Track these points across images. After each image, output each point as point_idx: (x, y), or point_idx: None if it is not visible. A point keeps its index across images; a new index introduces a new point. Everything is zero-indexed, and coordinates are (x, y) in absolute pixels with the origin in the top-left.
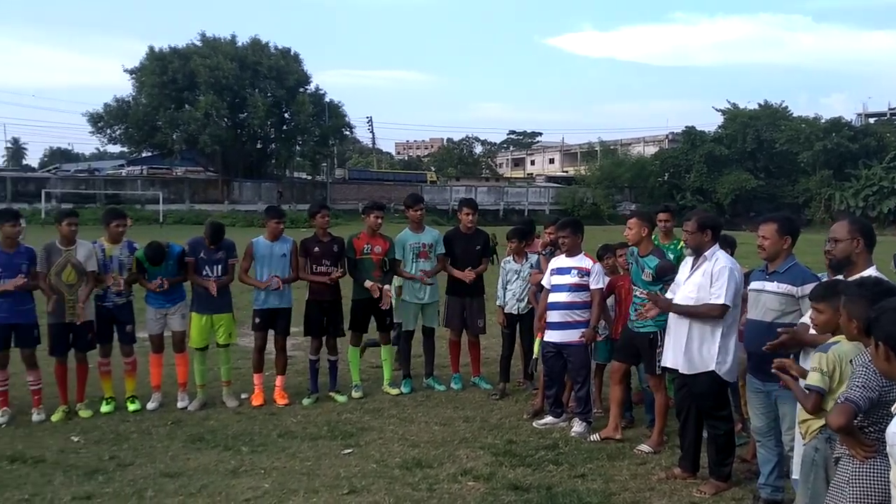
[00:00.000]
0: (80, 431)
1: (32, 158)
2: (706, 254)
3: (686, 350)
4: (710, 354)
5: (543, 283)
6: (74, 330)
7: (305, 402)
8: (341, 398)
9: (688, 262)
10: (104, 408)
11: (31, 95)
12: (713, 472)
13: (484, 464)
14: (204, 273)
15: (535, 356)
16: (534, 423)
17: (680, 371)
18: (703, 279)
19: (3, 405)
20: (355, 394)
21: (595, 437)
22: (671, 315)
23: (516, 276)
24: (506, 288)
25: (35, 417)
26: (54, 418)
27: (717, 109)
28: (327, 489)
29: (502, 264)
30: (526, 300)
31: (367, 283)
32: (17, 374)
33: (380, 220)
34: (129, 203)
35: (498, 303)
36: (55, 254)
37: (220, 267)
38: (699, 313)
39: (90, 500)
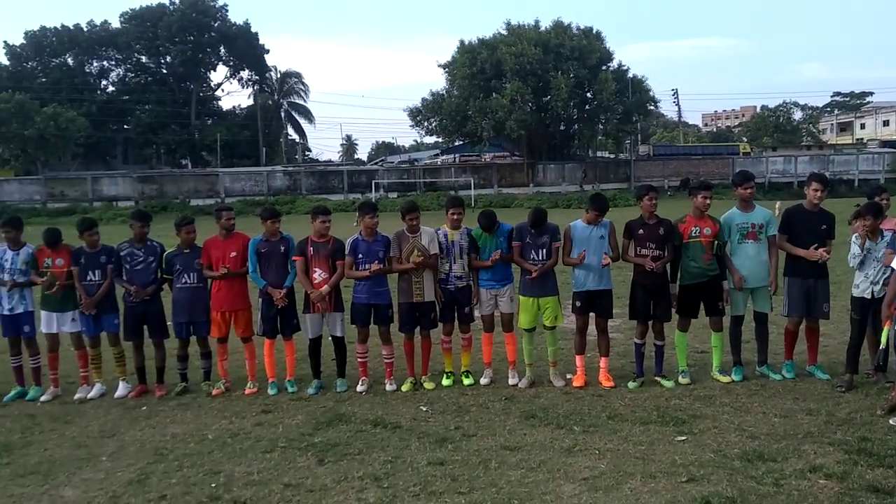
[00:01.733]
0: (427, 402)
1: (362, 152)
2: None
3: None
4: None
5: (894, 265)
6: (420, 309)
7: (631, 385)
8: (668, 383)
9: None
10: (445, 381)
11: (361, 96)
12: None
13: (835, 461)
14: (531, 257)
15: (881, 346)
16: (891, 421)
17: None
18: None
19: (364, 375)
20: (682, 379)
21: None
22: None
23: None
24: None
25: (388, 387)
26: (404, 388)
27: None
28: (664, 475)
29: (853, 242)
30: (881, 283)
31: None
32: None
33: (708, 201)
34: (443, 189)
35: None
36: (404, 240)
37: (543, 251)
38: None
39: (443, 466)
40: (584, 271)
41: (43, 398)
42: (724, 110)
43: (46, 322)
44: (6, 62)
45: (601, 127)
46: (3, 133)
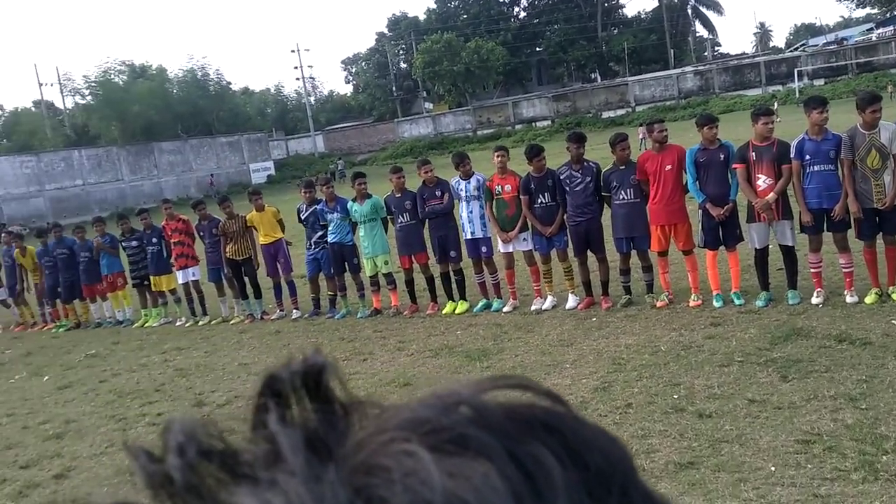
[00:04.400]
0: None
1: (778, 39)
2: None
3: None
4: None
5: None
6: (880, 213)
7: None
8: None
9: None
10: None
11: None
12: None
13: None
14: None
15: None
16: None
17: None
18: None
19: (818, 286)
20: None
21: None
22: None
23: None
24: None
25: (848, 299)
26: (867, 301)
27: None
28: None
29: None
30: None
31: None
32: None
33: None
34: (882, 69)
35: None
36: (858, 138)
37: None
38: None
39: None
40: None
41: (505, 309)
42: None
43: (503, 243)
44: (434, 6)
45: None
46: (436, 71)
